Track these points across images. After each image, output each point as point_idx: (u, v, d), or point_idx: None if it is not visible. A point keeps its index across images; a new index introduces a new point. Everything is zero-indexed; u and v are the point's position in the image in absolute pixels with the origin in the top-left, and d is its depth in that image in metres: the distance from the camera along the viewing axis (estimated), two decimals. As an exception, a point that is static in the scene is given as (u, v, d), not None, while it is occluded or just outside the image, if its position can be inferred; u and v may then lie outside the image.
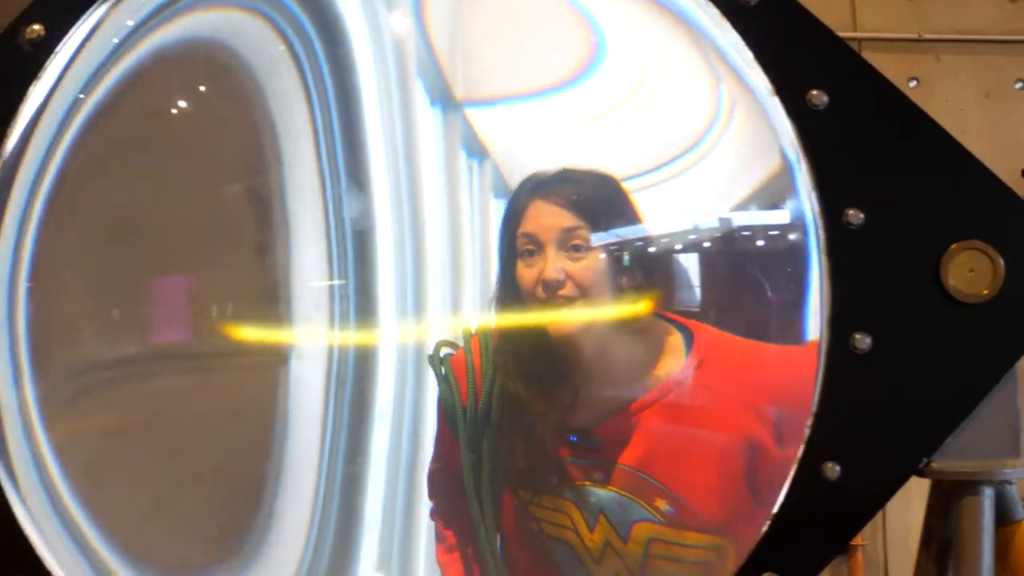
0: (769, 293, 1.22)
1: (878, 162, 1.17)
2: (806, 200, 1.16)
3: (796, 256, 1.17)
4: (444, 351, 1.19)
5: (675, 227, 1.21)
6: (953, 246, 1.15)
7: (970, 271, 1.15)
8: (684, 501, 1.20)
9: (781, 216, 1.19)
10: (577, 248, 1.17)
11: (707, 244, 1.22)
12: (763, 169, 1.21)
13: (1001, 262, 1.15)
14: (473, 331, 1.19)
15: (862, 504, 1.14)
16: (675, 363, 1.19)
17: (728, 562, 1.16)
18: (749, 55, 1.18)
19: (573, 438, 1.20)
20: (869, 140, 1.17)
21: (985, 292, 1.14)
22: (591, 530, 1.19)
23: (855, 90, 1.17)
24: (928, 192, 1.17)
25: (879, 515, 4.68)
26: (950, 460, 1.15)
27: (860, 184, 1.16)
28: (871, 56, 4.56)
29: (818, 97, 1.16)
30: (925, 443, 1.15)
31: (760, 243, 1.22)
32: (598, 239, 1.17)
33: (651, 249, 1.19)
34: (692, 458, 1.21)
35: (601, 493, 1.19)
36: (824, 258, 1.15)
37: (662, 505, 1.19)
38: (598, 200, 1.20)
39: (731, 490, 1.20)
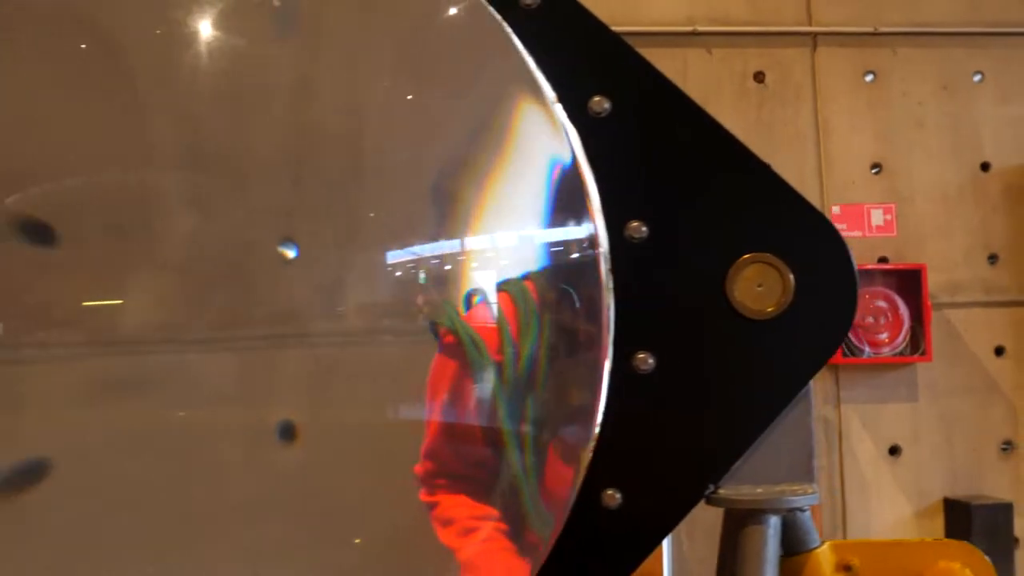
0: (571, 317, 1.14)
1: (662, 171, 1.10)
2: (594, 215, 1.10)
3: (586, 274, 1.11)
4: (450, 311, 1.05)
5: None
6: (741, 259, 1.09)
7: (759, 286, 1.08)
8: None
9: (570, 232, 1.13)
10: None
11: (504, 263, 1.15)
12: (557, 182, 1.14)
13: (791, 276, 1.08)
14: (498, 287, 1.06)
15: (643, 534, 1.08)
16: None
17: None
18: (531, 60, 1.11)
19: None
20: (653, 148, 1.11)
21: (771, 309, 1.08)
22: None
23: (638, 95, 1.11)
24: (715, 202, 1.10)
25: (839, 514, 4.59)
26: (739, 486, 1.09)
27: (643, 195, 1.10)
28: (827, 51, 4.51)
29: (599, 104, 1.10)
30: (712, 469, 1.09)
31: (558, 261, 1.15)
32: None
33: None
34: None
35: None
36: (607, 275, 1.09)
37: None
38: None
39: None
